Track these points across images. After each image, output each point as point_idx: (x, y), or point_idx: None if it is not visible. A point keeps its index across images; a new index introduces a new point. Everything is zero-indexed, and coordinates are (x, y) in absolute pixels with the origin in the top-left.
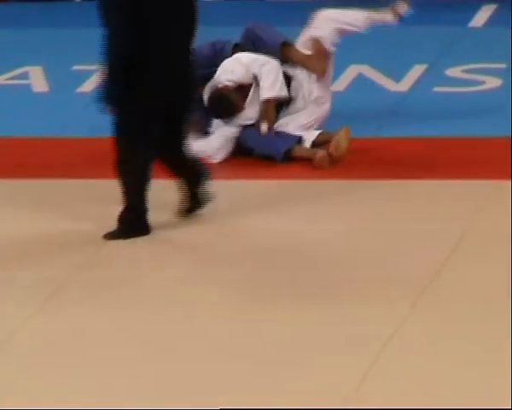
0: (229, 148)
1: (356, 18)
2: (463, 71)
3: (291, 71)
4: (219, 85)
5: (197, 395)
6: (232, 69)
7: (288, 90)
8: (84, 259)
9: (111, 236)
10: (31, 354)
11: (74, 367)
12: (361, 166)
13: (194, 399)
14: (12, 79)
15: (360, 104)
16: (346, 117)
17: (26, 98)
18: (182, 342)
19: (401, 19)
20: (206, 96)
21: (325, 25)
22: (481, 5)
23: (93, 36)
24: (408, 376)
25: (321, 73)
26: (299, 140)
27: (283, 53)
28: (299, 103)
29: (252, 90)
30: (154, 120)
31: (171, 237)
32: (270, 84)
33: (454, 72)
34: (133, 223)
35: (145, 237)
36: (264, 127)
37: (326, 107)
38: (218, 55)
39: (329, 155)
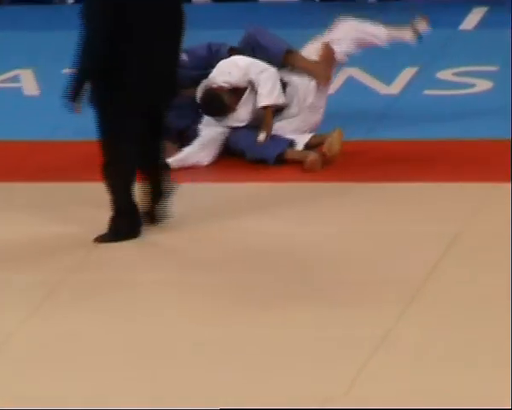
0: (215, 151)
1: (378, 31)
2: (454, 74)
3: (287, 77)
4: (214, 85)
5: (188, 397)
6: (229, 71)
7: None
8: (76, 262)
9: (102, 239)
10: (26, 357)
11: (68, 370)
12: (352, 168)
13: (188, 400)
14: (3, 82)
15: (351, 107)
16: (338, 120)
17: (17, 101)
18: (173, 345)
19: (420, 37)
20: (199, 94)
21: (346, 33)
22: (472, 8)
23: None
24: (401, 377)
25: (325, 81)
26: (291, 143)
27: (287, 60)
28: (293, 109)
29: (246, 93)
30: (137, 123)
31: (162, 239)
32: (268, 91)
33: (445, 74)
34: (123, 226)
35: (136, 240)
36: (261, 137)
37: (320, 114)
38: (214, 56)
39: (323, 155)
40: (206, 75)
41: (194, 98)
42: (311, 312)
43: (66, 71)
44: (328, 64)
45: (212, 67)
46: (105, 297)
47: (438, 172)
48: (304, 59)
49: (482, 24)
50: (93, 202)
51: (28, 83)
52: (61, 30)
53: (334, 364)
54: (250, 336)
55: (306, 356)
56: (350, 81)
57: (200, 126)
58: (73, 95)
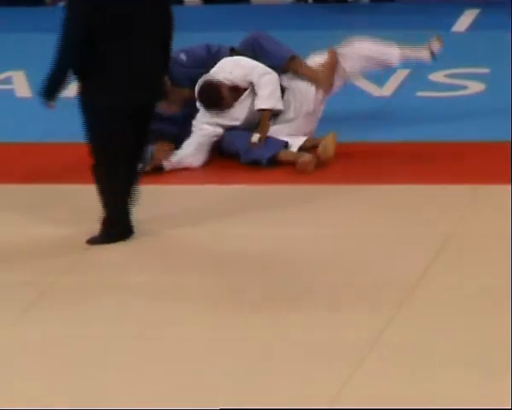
0: (207, 153)
1: (391, 51)
2: (446, 76)
3: (286, 82)
4: (214, 79)
5: (181, 397)
6: (231, 70)
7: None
8: (68, 264)
9: (94, 241)
10: (17, 359)
11: (60, 371)
12: (344, 170)
13: (180, 401)
14: None
15: (343, 109)
16: (330, 122)
17: (9, 103)
18: (165, 347)
19: (434, 57)
20: (197, 86)
21: (357, 51)
22: (464, 10)
23: None
24: (393, 379)
25: (327, 89)
26: (286, 145)
27: (290, 66)
28: (289, 114)
29: (245, 94)
30: (121, 125)
31: (154, 242)
32: (268, 95)
33: (437, 76)
34: (115, 227)
35: (128, 242)
36: (255, 138)
37: (315, 122)
38: (213, 57)
39: (317, 156)
40: (203, 75)
41: (189, 99)
42: (302, 314)
43: None
44: (331, 72)
45: (211, 67)
46: (97, 299)
47: (429, 174)
48: (307, 66)
49: (474, 26)
50: (85, 204)
51: (20, 85)
52: (53, 32)
53: (324, 366)
54: (241, 337)
55: (297, 358)
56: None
57: (194, 122)
58: (48, 92)
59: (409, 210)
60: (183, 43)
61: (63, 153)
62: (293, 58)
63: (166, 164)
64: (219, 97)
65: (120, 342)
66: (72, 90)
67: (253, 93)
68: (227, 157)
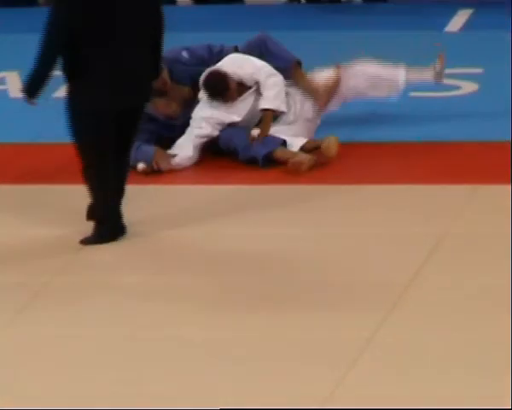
0: (199, 152)
1: (396, 74)
2: None
3: (288, 88)
4: (222, 71)
5: (176, 399)
6: (241, 65)
7: None
8: (61, 264)
9: (87, 241)
10: (10, 359)
11: (53, 372)
12: (337, 170)
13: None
14: None
15: (338, 110)
16: (323, 122)
17: (3, 104)
18: (159, 347)
19: (440, 79)
20: (203, 76)
21: (361, 72)
22: (457, 10)
23: None
24: (387, 379)
25: (322, 106)
26: (284, 143)
27: (293, 71)
28: (290, 117)
29: (248, 92)
30: (106, 127)
31: (148, 242)
32: (274, 96)
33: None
34: (107, 226)
35: (121, 242)
36: (254, 132)
37: (314, 127)
38: (214, 57)
39: (321, 153)
40: (200, 74)
41: (189, 97)
42: (295, 314)
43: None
44: (330, 94)
45: (209, 67)
46: (91, 300)
47: (422, 174)
48: (307, 78)
49: (467, 26)
50: (79, 205)
51: (14, 85)
52: None
53: (318, 366)
54: (235, 338)
55: (290, 358)
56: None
57: (193, 115)
58: (29, 90)
59: (405, 210)
60: (178, 44)
61: (56, 153)
62: (297, 65)
63: (165, 168)
64: (225, 88)
65: (114, 343)
66: (64, 90)
67: (257, 93)
68: (221, 156)
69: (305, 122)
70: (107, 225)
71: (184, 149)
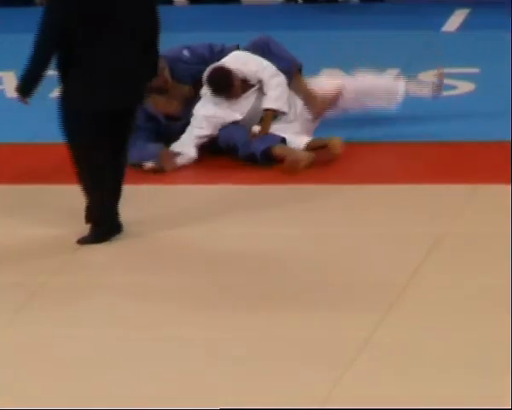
0: (197, 153)
1: (395, 87)
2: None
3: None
4: (227, 67)
5: (174, 399)
6: (245, 62)
7: None
8: (58, 264)
9: (84, 241)
10: (7, 359)
11: (51, 372)
12: (333, 170)
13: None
14: None
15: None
16: (322, 122)
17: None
18: (157, 347)
19: (439, 93)
20: (207, 72)
21: (360, 83)
22: (454, 10)
23: None
24: (386, 379)
25: (316, 117)
26: (283, 141)
27: (295, 77)
28: (290, 116)
29: (251, 90)
30: (98, 128)
31: (146, 241)
32: (277, 96)
33: (427, 76)
34: (103, 225)
35: (118, 243)
36: (255, 128)
37: (312, 128)
38: (215, 55)
39: (328, 149)
40: (200, 73)
41: (189, 96)
42: (293, 313)
43: (49, 73)
44: (326, 104)
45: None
46: (88, 300)
47: (419, 174)
48: (306, 85)
49: (464, 26)
50: (76, 205)
51: (10, 85)
52: None
53: (315, 366)
54: (232, 338)
55: (288, 358)
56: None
57: (194, 112)
58: (23, 89)
59: (403, 210)
60: (174, 44)
61: (53, 153)
62: (298, 71)
63: (170, 169)
64: (230, 84)
65: (113, 343)
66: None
67: (259, 91)
68: (220, 155)
69: (304, 122)
70: (103, 226)
71: (185, 148)
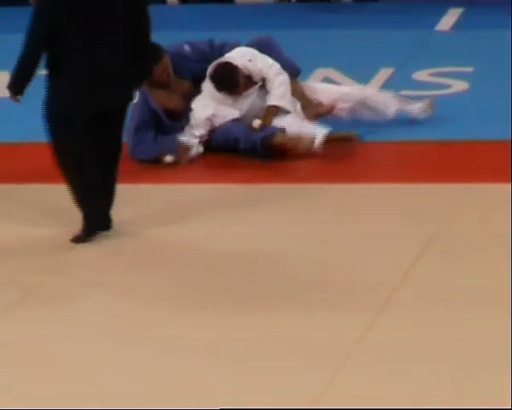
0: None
1: (388, 101)
2: (430, 74)
3: None
4: (233, 63)
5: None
6: (251, 59)
7: None
8: (53, 264)
9: (77, 239)
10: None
11: (44, 371)
12: (326, 169)
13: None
14: None
15: None
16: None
17: None
18: (152, 346)
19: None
20: (211, 67)
21: (356, 94)
22: (448, 9)
23: None
24: (379, 378)
25: (309, 119)
26: (282, 130)
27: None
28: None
29: (253, 87)
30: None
31: (141, 241)
32: (281, 94)
33: (421, 75)
34: (92, 220)
35: (112, 241)
36: (256, 123)
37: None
38: (216, 51)
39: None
40: (205, 70)
41: (189, 92)
42: (286, 313)
43: (42, 73)
44: (320, 112)
45: (210, 63)
46: (83, 299)
47: (412, 173)
48: (303, 91)
49: (458, 25)
50: (70, 204)
51: (3, 85)
52: None
53: (308, 366)
54: (226, 338)
55: (280, 357)
56: (325, 82)
57: (194, 105)
58: (13, 87)
59: (397, 209)
60: (168, 44)
61: (46, 153)
62: (295, 76)
63: (185, 162)
64: (234, 81)
65: (108, 343)
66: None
67: (261, 89)
68: (216, 155)
69: (304, 118)
70: (92, 220)
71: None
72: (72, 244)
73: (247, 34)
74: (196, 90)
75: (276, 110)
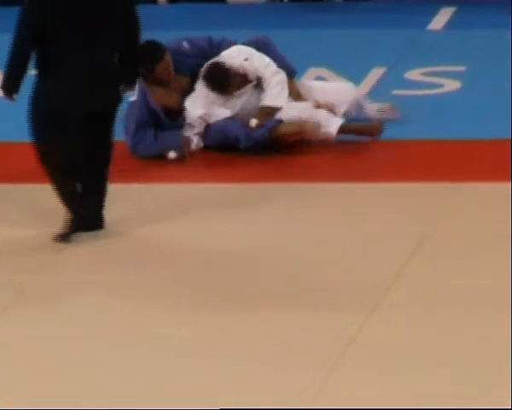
0: None
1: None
2: (423, 74)
3: None
4: (226, 64)
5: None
6: (248, 57)
7: None
8: (42, 264)
9: (63, 237)
10: None
11: (34, 372)
12: (319, 168)
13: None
14: None
15: None
16: None
17: None
18: (146, 347)
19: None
20: (205, 67)
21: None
22: (440, 8)
23: None
24: (371, 379)
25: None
26: (281, 121)
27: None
28: None
29: (248, 86)
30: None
31: (131, 240)
32: (277, 94)
33: (413, 75)
34: (78, 216)
35: (99, 242)
36: (253, 122)
37: None
38: (214, 48)
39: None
40: (199, 66)
41: (187, 89)
42: (278, 313)
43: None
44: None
45: (208, 59)
46: (73, 299)
47: (405, 173)
48: (298, 92)
49: (450, 24)
50: (58, 204)
51: None
52: None
53: (301, 366)
54: (221, 337)
55: (273, 357)
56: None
57: (187, 104)
58: (6, 87)
59: (385, 208)
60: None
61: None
62: (293, 74)
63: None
64: (225, 81)
65: (104, 342)
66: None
67: (255, 88)
68: (211, 153)
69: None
70: (77, 214)
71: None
72: (66, 244)
73: (239, 34)
74: (193, 86)
75: (270, 110)
